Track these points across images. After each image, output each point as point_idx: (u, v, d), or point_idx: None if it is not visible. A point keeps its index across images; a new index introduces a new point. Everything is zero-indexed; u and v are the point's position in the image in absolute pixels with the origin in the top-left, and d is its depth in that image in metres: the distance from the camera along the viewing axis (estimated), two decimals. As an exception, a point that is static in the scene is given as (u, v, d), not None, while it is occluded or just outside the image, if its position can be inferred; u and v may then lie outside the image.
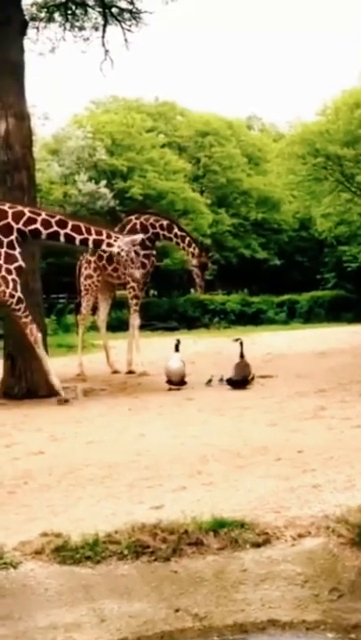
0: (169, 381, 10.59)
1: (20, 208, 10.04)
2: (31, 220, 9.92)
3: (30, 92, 11.72)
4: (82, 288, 13.28)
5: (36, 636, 3.61)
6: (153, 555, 3.95)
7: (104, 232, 10.42)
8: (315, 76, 67.01)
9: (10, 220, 9.84)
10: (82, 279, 13.23)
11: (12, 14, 11.41)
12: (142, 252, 11.99)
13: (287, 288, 33.71)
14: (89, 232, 10.18)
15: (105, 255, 12.92)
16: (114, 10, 14.45)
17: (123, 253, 10.43)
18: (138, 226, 12.57)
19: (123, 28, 14.47)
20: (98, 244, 10.32)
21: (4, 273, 9.66)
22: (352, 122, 28.73)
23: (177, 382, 10.55)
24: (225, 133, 39.34)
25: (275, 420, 7.62)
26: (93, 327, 15.60)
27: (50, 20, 14.35)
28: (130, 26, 14.48)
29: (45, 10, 14.20)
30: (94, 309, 13.79)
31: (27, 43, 12.25)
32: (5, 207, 9.97)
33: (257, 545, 4.00)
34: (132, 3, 14.40)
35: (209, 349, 14.77)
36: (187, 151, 39.50)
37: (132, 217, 13.37)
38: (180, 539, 4.01)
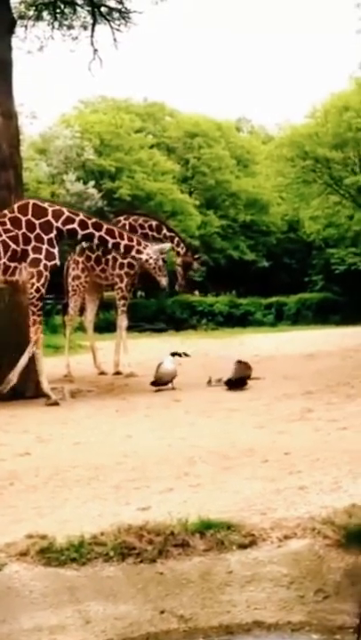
0: (155, 382, 10.60)
1: (58, 207, 10.46)
2: (69, 220, 10.24)
3: (18, 90, 11.69)
4: (69, 289, 13.24)
5: (20, 638, 3.59)
6: (139, 556, 3.94)
7: (135, 239, 10.87)
8: (304, 78, 67.35)
9: (50, 217, 10.13)
10: (69, 280, 13.20)
11: (0, 12, 11.38)
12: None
13: (275, 290, 33.78)
14: (121, 237, 10.64)
15: (93, 256, 12.91)
16: (103, 9, 14.40)
17: (151, 261, 10.87)
18: (127, 227, 12.56)
19: (112, 27, 14.44)
20: (128, 249, 10.77)
21: (41, 268, 9.94)
22: (341, 125, 28.88)
23: (163, 383, 10.58)
24: (214, 135, 39.38)
25: (262, 422, 7.63)
26: (81, 328, 15.56)
27: (38, 18, 14.29)
28: (119, 25, 14.46)
29: (34, 8, 14.14)
30: (82, 310, 13.75)
31: (15, 41, 12.25)
32: (45, 205, 10.34)
33: (243, 546, 4.00)
34: (121, 2, 14.38)
35: (196, 351, 14.76)
36: (175, 152, 39.52)
37: (121, 218, 13.37)
38: (166, 540, 4.01)
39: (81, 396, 10.37)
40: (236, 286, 35.76)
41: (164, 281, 11.30)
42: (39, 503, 4.88)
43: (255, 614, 3.82)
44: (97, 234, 10.38)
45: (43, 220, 10.06)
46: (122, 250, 10.82)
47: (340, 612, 3.82)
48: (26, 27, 14.21)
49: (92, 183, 28.72)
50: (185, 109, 42.01)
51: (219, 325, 28.76)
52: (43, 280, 9.93)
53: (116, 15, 14.43)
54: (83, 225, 10.27)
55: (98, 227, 10.41)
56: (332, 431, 6.95)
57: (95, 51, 14.39)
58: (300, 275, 36.26)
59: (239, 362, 10.64)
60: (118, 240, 10.56)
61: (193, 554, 3.97)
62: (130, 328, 13.78)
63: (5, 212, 10.16)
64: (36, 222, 10.02)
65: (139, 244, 10.82)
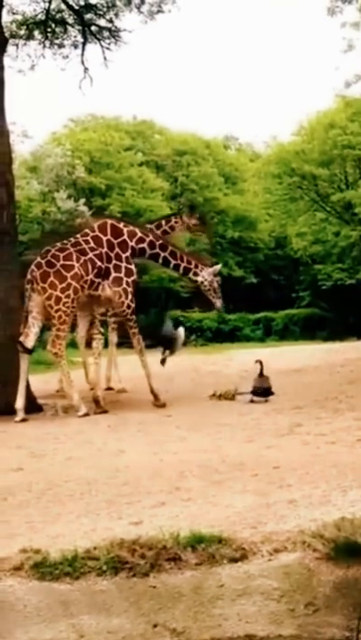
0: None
1: (131, 227, 11.11)
2: (141, 240, 10.96)
3: (9, 108, 11.80)
4: None
5: (15, 652, 3.62)
6: (131, 570, 3.98)
7: (193, 262, 11.41)
8: (291, 96, 68.00)
9: (125, 237, 10.83)
10: None
11: (-8, 31, 11.52)
12: None
13: (263, 306, 33.94)
14: (182, 259, 11.25)
15: None
16: (93, 28, 14.56)
17: (206, 283, 11.30)
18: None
19: (102, 46, 14.59)
20: (187, 271, 11.34)
21: (124, 285, 10.67)
22: (327, 142, 29.23)
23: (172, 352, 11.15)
24: (202, 153, 39.67)
25: (251, 437, 7.70)
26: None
27: (29, 37, 14.40)
28: (109, 44, 14.61)
29: (25, 27, 14.26)
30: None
31: (6, 60, 12.35)
32: (120, 225, 10.99)
33: (234, 560, 4.05)
34: (111, 21, 14.53)
35: (186, 367, 14.80)
36: (164, 170, 39.75)
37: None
38: (158, 554, 4.06)
39: (73, 411, 10.40)
40: (225, 302, 35.86)
41: (218, 303, 11.68)
42: (32, 518, 4.91)
43: (247, 627, 3.86)
44: (162, 254, 11.09)
45: (120, 239, 10.77)
46: (181, 271, 11.34)
47: (331, 624, 3.87)
48: (17, 46, 14.33)
49: (82, 201, 28.81)
50: (174, 127, 42.43)
51: (207, 341, 28.82)
52: (130, 295, 10.71)
53: (106, 34, 14.58)
54: (151, 245, 11.01)
55: (163, 248, 11.13)
56: (321, 445, 7.03)
57: (86, 69, 14.54)
58: (288, 291, 36.46)
59: (261, 375, 10.66)
60: (179, 262, 11.19)
61: (185, 567, 4.02)
62: (120, 344, 13.82)
63: (87, 230, 10.90)
64: (115, 241, 10.73)
65: (196, 266, 11.30)
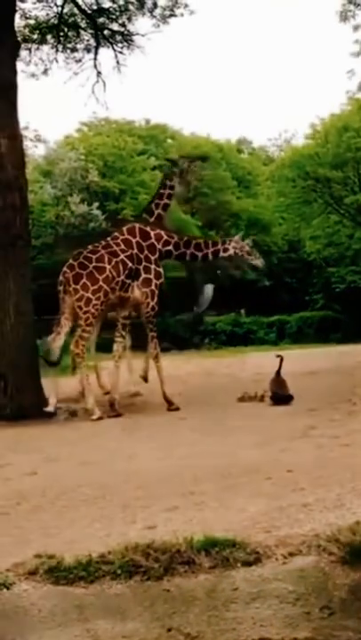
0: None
1: (158, 230, 11.35)
2: (167, 242, 11.26)
3: (22, 112, 11.86)
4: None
5: (29, 656, 3.62)
6: (146, 574, 3.98)
7: (211, 242, 11.84)
8: (305, 99, 67.88)
9: (153, 240, 11.12)
10: None
11: (4, 36, 11.59)
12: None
13: (277, 309, 33.83)
14: (206, 247, 11.53)
15: None
16: (106, 32, 14.60)
17: (239, 252, 11.50)
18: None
19: (115, 50, 14.63)
20: (216, 253, 11.55)
21: (153, 287, 10.96)
22: (340, 145, 29.10)
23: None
24: (215, 156, 39.66)
25: (265, 440, 7.67)
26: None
27: (42, 41, 14.48)
28: (122, 48, 14.64)
29: (38, 31, 14.33)
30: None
31: (19, 64, 12.44)
32: (147, 229, 11.23)
33: (248, 564, 4.03)
34: (123, 25, 14.55)
35: (200, 371, 14.81)
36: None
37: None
38: (172, 558, 4.05)
39: (87, 415, 10.41)
40: (240, 305, 35.81)
41: (259, 262, 11.95)
42: (46, 523, 4.92)
43: (261, 631, 3.83)
44: (188, 252, 11.35)
45: (148, 242, 11.04)
46: (211, 257, 11.56)
47: (346, 628, 3.84)
48: (30, 50, 14.41)
49: (96, 205, 28.90)
50: (186, 131, 42.45)
51: (221, 344, 28.77)
52: (156, 298, 10.97)
53: (119, 38, 14.62)
54: (176, 246, 11.27)
55: (187, 245, 11.39)
56: (335, 448, 6.99)
57: (99, 73, 14.58)
58: (302, 293, 36.34)
59: (275, 377, 10.55)
60: (205, 251, 11.43)
61: (199, 571, 4.01)
62: (134, 347, 13.84)
63: (116, 234, 11.18)
64: (144, 244, 10.99)
65: (223, 244, 11.58)
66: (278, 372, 10.57)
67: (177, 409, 10.38)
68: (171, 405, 10.51)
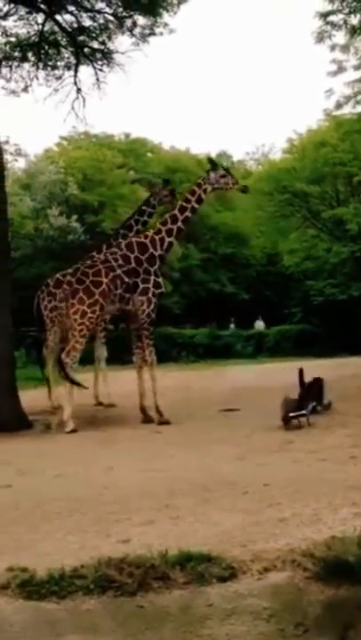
0: None
1: (150, 234, 11.42)
2: (162, 240, 11.26)
3: (3, 127, 11.86)
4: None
5: (0, 673, 3.56)
6: (119, 589, 3.93)
7: (181, 197, 11.84)
8: (282, 114, 68.60)
9: (151, 250, 11.21)
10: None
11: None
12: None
13: (255, 322, 33.95)
14: (189, 201, 11.41)
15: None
16: (86, 50, 14.66)
17: (216, 184, 11.48)
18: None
19: (95, 67, 14.67)
20: (200, 200, 11.55)
21: (150, 296, 11.04)
22: (318, 160, 29.36)
23: None
24: (194, 170, 39.88)
25: (242, 454, 7.66)
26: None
27: (23, 59, 14.48)
28: (102, 66, 14.70)
29: (19, 49, 14.34)
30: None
31: (0, 81, 12.41)
32: (146, 241, 11.31)
33: (223, 579, 4.00)
34: (103, 43, 14.64)
35: (178, 384, 14.76)
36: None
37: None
38: (146, 573, 4.01)
39: (62, 427, 10.32)
40: (218, 318, 35.89)
41: (238, 185, 11.91)
42: (20, 536, 4.86)
43: (236, 648, 3.81)
44: (175, 228, 11.33)
45: (147, 254, 11.13)
46: (190, 214, 11.44)
47: (320, 645, 3.82)
48: (11, 67, 14.40)
49: (74, 217, 28.90)
50: (166, 145, 42.63)
51: (199, 357, 28.76)
52: (152, 306, 11.07)
53: (99, 56, 14.68)
54: (162, 241, 11.27)
55: (174, 219, 11.35)
56: (312, 462, 7.00)
57: (78, 90, 14.60)
58: (280, 307, 36.53)
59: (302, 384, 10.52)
60: (181, 217, 11.31)
61: (173, 587, 3.97)
62: (110, 360, 13.79)
63: (115, 249, 11.44)
64: (143, 257, 11.11)
65: (194, 192, 11.50)
66: (302, 384, 10.48)
67: (167, 422, 10.31)
68: (161, 417, 10.43)
